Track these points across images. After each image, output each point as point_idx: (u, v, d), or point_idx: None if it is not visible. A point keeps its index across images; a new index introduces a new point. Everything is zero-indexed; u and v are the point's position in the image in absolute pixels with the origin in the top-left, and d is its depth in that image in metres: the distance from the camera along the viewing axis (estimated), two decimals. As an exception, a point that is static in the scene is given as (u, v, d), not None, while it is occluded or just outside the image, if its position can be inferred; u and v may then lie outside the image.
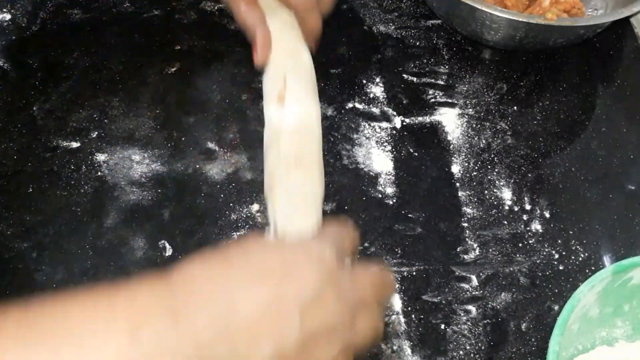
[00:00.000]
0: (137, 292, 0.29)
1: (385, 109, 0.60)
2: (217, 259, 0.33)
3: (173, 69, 0.60)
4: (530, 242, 0.53)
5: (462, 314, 0.49)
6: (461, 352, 0.48)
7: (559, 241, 0.53)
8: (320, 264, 0.34)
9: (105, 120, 0.58)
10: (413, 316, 0.49)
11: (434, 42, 0.65)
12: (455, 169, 0.57)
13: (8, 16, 0.64)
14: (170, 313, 0.29)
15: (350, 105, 0.60)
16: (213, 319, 0.30)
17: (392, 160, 0.57)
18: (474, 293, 0.50)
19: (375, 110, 0.60)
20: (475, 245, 0.53)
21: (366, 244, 0.52)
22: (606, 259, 0.52)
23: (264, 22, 0.54)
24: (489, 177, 0.57)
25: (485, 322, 0.49)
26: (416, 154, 0.58)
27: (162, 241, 0.52)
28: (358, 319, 0.35)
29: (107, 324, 0.27)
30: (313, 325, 0.32)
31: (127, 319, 0.28)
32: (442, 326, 0.49)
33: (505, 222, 0.54)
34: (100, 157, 0.56)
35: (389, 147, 0.58)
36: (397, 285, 0.50)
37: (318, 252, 0.35)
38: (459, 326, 0.49)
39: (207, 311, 0.30)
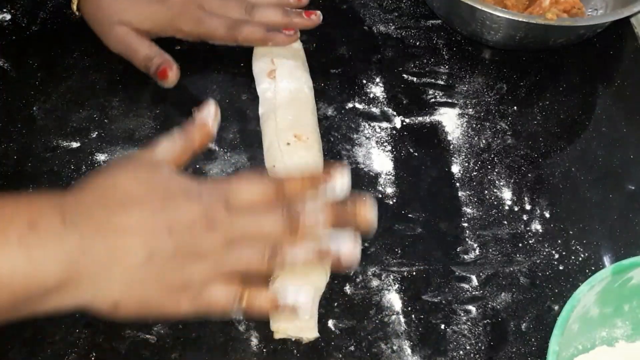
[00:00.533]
0: (36, 198, 0.38)
1: (385, 109, 0.60)
2: (107, 183, 0.40)
3: (173, 69, 0.60)
4: (530, 242, 0.53)
5: (462, 314, 0.49)
6: (461, 352, 0.48)
7: (559, 241, 0.53)
8: (194, 200, 0.40)
9: (105, 120, 0.58)
10: (413, 316, 0.49)
11: (434, 42, 0.65)
12: (455, 169, 0.57)
13: (8, 16, 0.64)
14: (59, 213, 0.37)
15: (350, 105, 0.60)
16: (94, 221, 0.37)
17: (392, 160, 0.57)
18: (474, 293, 0.50)
19: (375, 110, 0.60)
20: (475, 245, 0.53)
21: (366, 244, 0.52)
22: (606, 259, 0.52)
23: (157, 47, 0.59)
24: (489, 177, 0.57)
25: (485, 322, 0.49)
26: (416, 154, 0.58)
27: (162, 241, 0.52)
28: (236, 250, 0.40)
29: (11, 217, 0.36)
30: (182, 246, 0.39)
31: (27, 215, 0.36)
32: (442, 326, 0.49)
33: (505, 222, 0.54)
34: (100, 157, 0.56)
35: (389, 147, 0.58)
36: (398, 286, 0.50)
37: (196, 189, 0.41)
38: (459, 326, 0.49)
39: (89, 216, 0.38)
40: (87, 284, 0.37)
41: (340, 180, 0.43)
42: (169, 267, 0.39)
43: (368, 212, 0.43)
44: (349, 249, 0.42)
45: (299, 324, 0.46)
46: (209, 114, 0.45)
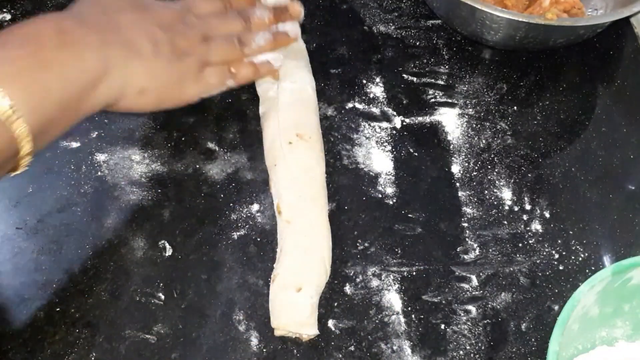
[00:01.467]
0: (44, 16, 0.44)
1: (385, 109, 0.60)
2: (95, 1, 0.48)
3: (173, 69, 0.60)
4: (530, 242, 0.53)
5: (462, 314, 0.49)
6: (461, 352, 0.48)
7: (559, 241, 0.53)
8: (167, 8, 0.51)
9: (105, 120, 0.58)
10: (413, 316, 0.49)
11: (434, 42, 0.65)
12: (455, 169, 0.57)
13: (8, 16, 0.64)
14: (74, 20, 0.44)
15: (350, 105, 0.60)
16: (103, 21, 0.46)
17: (392, 160, 0.57)
18: (474, 293, 0.50)
19: (375, 110, 0.60)
20: (475, 245, 0.53)
21: (366, 244, 0.52)
22: (606, 259, 0.52)
23: None
24: (489, 177, 0.57)
25: (485, 322, 0.49)
26: (416, 154, 0.58)
27: (162, 241, 0.52)
28: (212, 44, 0.52)
29: (38, 33, 0.42)
30: (173, 39, 0.49)
31: (52, 27, 0.43)
32: (442, 326, 0.49)
33: (505, 222, 0.54)
34: (100, 157, 0.56)
35: (389, 147, 0.58)
36: (398, 286, 0.50)
37: (164, 4, 0.52)
38: (459, 326, 0.49)
39: (97, 20, 0.46)
40: (117, 74, 0.45)
41: None
42: (170, 59, 0.49)
43: (295, 4, 0.57)
44: (290, 25, 0.56)
45: (299, 319, 0.46)
46: None
